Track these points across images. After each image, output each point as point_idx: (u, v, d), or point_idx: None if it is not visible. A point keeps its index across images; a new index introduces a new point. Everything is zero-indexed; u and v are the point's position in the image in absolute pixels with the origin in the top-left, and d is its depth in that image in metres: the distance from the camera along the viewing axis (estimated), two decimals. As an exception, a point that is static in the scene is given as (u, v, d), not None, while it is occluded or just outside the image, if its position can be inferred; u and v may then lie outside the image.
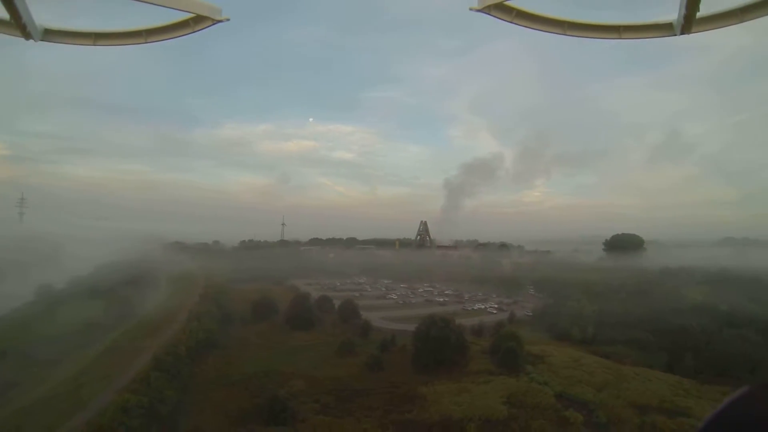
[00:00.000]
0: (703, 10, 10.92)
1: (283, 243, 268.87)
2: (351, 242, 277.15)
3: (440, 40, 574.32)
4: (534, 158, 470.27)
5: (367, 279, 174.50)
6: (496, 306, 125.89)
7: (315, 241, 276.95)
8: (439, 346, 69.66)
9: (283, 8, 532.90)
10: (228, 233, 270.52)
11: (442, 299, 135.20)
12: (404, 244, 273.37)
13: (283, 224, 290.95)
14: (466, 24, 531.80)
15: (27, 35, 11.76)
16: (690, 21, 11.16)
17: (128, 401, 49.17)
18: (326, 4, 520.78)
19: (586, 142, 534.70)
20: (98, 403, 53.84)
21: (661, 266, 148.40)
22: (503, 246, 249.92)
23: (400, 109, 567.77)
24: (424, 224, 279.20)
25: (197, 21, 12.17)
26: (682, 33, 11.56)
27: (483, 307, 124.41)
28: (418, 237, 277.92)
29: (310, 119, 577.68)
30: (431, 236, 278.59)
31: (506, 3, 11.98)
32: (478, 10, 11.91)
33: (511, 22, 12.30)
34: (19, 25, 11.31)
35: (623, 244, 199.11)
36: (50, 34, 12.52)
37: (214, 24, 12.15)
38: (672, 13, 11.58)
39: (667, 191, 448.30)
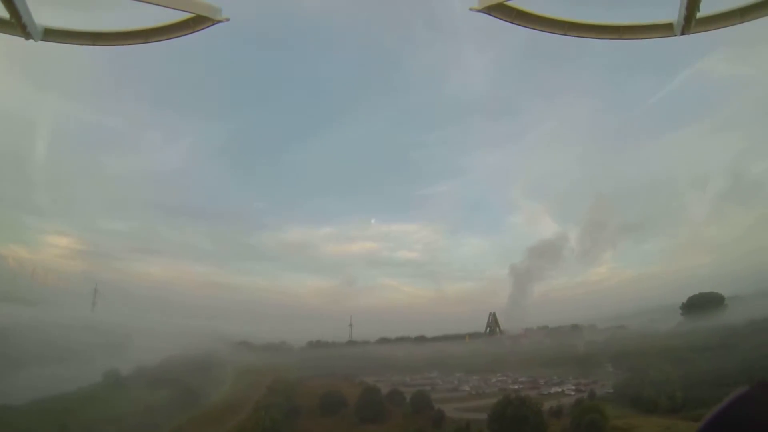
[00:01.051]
0: (703, 10, 11.02)
1: (351, 343, 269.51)
2: (420, 340, 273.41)
3: (491, 126, 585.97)
4: (596, 233, 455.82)
5: (438, 373, 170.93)
6: (573, 387, 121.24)
7: (383, 341, 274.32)
8: (516, 426, 66.33)
9: (340, 110, 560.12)
10: (295, 333, 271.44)
11: (516, 386, 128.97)
12: (474, 337, 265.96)
13: (350, 325, 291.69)
14: (516, 108, 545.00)
15: (27, 35, 12.01)
16: (690, 21, 11.24)
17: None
18: (379, 100, 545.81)
19: (646, 205, 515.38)
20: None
21: (746, 320, 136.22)
22: (575, 327, 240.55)
23: (458, 202, 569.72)
24: (492, 315, 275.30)
25: (197, 21, 12.31)
26: (683, 33, 11.63)
27: (560, 390, 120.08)
28: (488, 329, 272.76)
29: (372, 221, 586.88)
30: (501, 327, 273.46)
31: (506, 3, 12.06)
32: (479, 11, 11.99)
33: (511, 23, 12.40)
34: (19, 24, 11.54)
35: (701, 304, 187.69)
36: (50, 34, 12.83)
37: (213, 24, 12.25)
38: (672, 14, 11.64)
39: (741, 240, 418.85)
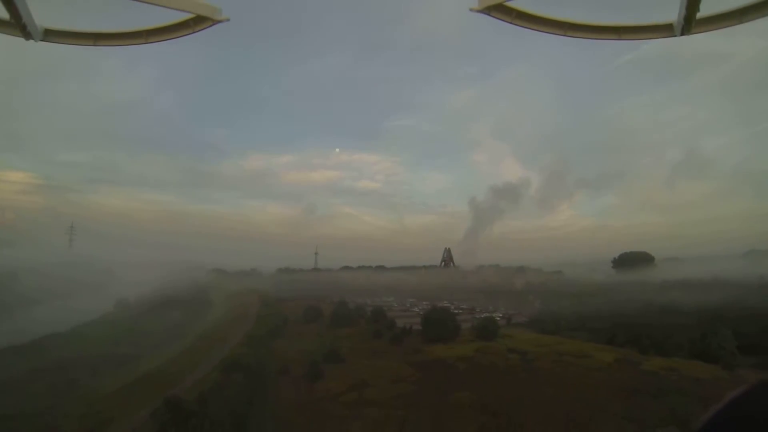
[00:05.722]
0: (704, 11, 11.78)
1: (316, 270, 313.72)
2: (380, 269, 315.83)
3: (459, 65, 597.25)
4: (558, 182, 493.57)
5: (394, 298, 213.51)
6: (501, 315, 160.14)
7: (346, 269, 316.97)
8: (438, 325, 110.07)
9: (303, 39, 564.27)
10: (262, 261, 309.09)
11: (456, 311, 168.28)
12: (429, 269, 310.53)
13: (316, 253, 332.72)
14: (484, 50, 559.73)
15: (27, 35, 12.64)
16: (690, 22, 11.98)
17: (240, 355, 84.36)
18: (344, 32, 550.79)
19: (607, 163, 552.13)
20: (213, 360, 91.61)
21: (661, 280, 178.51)
22: (520, 268, 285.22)
23: (423, 136, 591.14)
24: (447, 251, 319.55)
25: (197, 21, 13.03)
26: (683, 34, 12.42)
27: (490, 315, 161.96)
28: (443, 263, 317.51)
29: (336, 149, 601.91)
30: (455, 262, 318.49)
31: (506, 4, 12.81)
32: (478, 11, 12.79)
33: (511, 23, 13.16)
34: (19, 25, 12.17)
35: (631, 261, 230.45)
36: (50, 35, 13.47)
37: (214, 24, 13.00)
38: (672, 14, 12.41)
39: (690, 207, 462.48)
